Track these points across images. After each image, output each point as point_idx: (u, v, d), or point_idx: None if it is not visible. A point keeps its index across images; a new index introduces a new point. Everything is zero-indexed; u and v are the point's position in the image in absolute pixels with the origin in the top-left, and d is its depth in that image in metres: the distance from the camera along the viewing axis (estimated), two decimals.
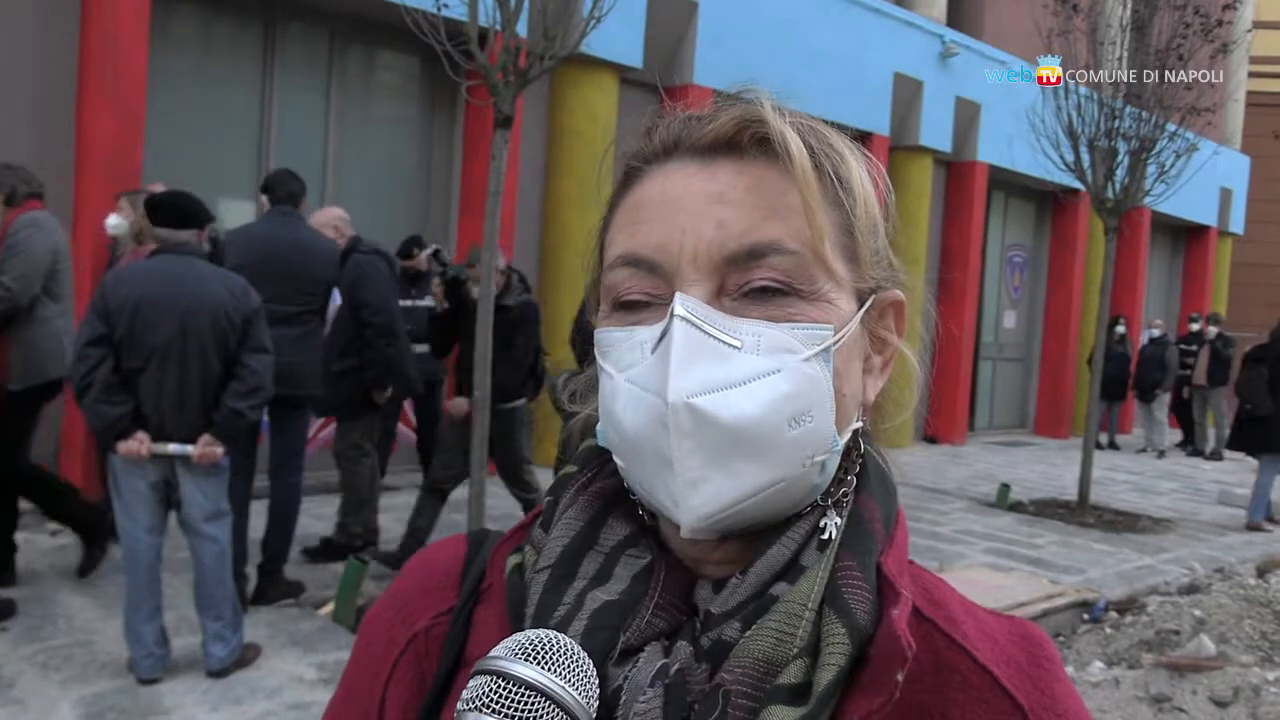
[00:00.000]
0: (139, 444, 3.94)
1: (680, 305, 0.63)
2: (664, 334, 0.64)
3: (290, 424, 5.28)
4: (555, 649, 0.60)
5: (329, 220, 5.96)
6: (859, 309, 0.69)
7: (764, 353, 0.64)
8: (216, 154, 7.71)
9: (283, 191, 5.34)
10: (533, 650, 0.60)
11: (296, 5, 8.13)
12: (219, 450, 4.10)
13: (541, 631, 0.62)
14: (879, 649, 0.63)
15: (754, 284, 0.65)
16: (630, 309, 0.68)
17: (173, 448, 4.02)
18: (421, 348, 6.85)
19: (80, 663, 4.27)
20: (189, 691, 4.07)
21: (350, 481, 5.96)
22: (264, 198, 5.50)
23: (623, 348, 0.68)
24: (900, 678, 0.61)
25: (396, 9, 5.48)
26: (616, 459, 0.70)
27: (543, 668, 0.59)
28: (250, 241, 5.15)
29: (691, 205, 0.66)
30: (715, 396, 0.62)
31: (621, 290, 0.68)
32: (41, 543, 5.95)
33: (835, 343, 0.66)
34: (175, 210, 4.18)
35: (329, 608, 5.11)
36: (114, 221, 5.61)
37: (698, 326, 0.63)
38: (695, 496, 0.63)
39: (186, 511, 4.14)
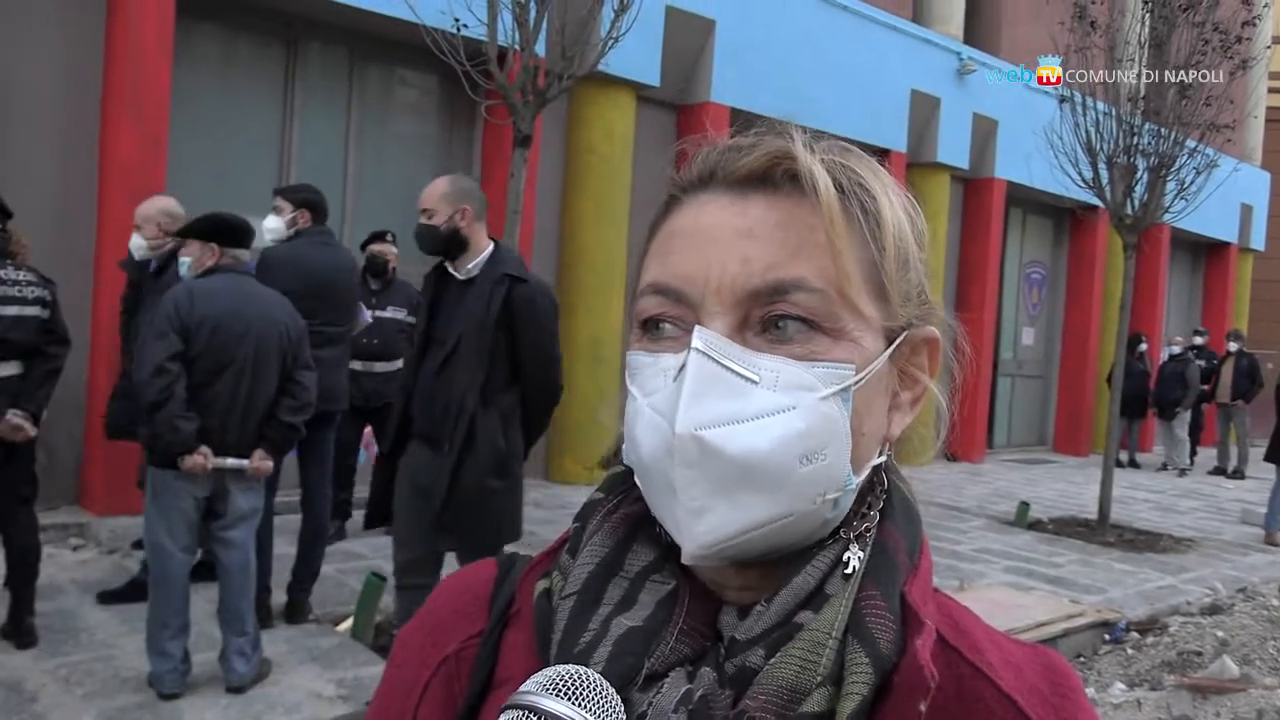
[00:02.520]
0: (203, 458, 4.02)
1: (699, 338, 0.65)
2: (684, 365, 0.65)
3: (323, 437, 5.37)
4: (585, 684, 0.61)
5: (153, 215, 5.22)
6: (887, 347, 0.70)
7: (781, 389, 0.65)
8: (238, 172, 7.77)
9: (322, 211, 5.37)
10: (563, 685, 0.61)
11: (317, 25, 8.21)
12: (270, 464, 4.26)
13: (572, 667, 0.63)
14: (902, 679, 0.63)
15: (775, 312, 0.66)
16: (658, 336, 0.70)
17: (230, 462, 4.12)
18: (385, 365, 6.58)
19: (101, 678, 4.29)
20: (209, 707, 4.08)
21: None
22: (288, 208, 5.28)
23: (648, 373, 0.69)
24: (923, 708, 0.62)
25: (416, 28, 5.53)
26: (636, 478, 0.72)
27: (572, 703, 0.60)
28: (298, 265, 5.03)
29: (721, 238, 0.67)
30: (723, 430, 0.63)
31: (649, 317, 0.70)
32: (64, 558, 5.99)
33: (856, 383, 0.66)
34: (239, 231, 4.31)
35: (347, 624, 5.12)
36: None
37: (715, 360, 0.64)
38: (698, 525, 0.64)
39: (228, 518, 4.23)
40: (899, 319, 0.71)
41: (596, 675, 0.62)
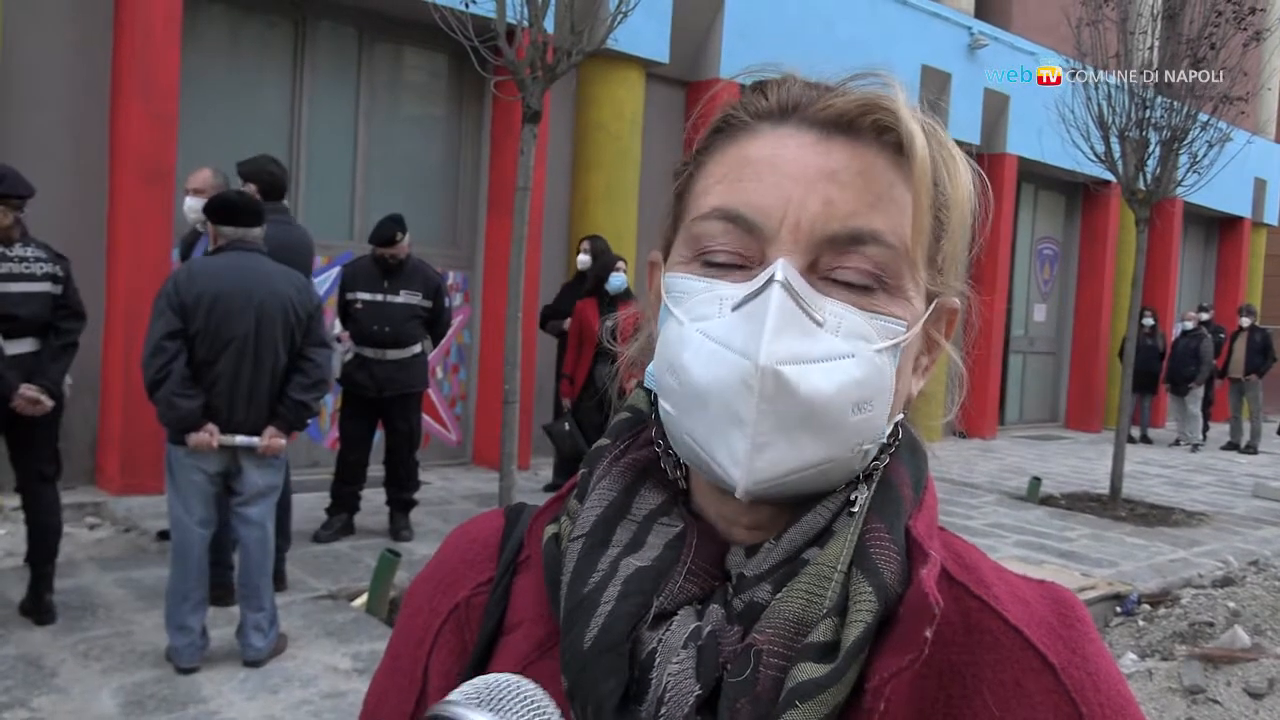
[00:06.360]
0: (210, 436, 4.06)
1: (781, 271, 0.64)
2: (753, 295, 0.64)
3: None
4: (510, 694, 0.59)
5: None
6: (926, 310, 0.71)
7: (843, 335, 0.65)
8: (248, 152, 7.69)
9: (273, 187, 5.29)
10: (489, 695, 0.58)
11: (325, 4, 8.20)
12: (283, 441, 4.28)
13: (504, 676, 0.60)
14: (907, 607, 0.64)
15: (847, 262, 0.66)
16: (712, 262, 0.68)
17: (240, 440, 4.15)
18: (399, 352, 6.26)
19: (119, 653, 4.34)
20: (226, 681, 4.13)
21: None
22: (251, 187, 5.22)
23: (700, 298, 0.68)
24: (929, 634, 0.62)
25: (425, 7, 5.52)
26: (664, 405, 0.70)
27: (495, 714, 0.57)
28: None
29: (803, 176, 0.66)
30: (799, 368, 0.63)
31: (712, 244, 0.68)
32: (81, 536, 6.05)
33: (905, 340, 0.68)
34: (248, 210, 4.32)
35: (362, 599, 5.17)
36: None
37: (792, 296, 0.64)
38: (759, 459, 0.64)
39: (243, 495, 4.27)
40: (939, 286, 0.72)
41: (531, 685, 0.60)
